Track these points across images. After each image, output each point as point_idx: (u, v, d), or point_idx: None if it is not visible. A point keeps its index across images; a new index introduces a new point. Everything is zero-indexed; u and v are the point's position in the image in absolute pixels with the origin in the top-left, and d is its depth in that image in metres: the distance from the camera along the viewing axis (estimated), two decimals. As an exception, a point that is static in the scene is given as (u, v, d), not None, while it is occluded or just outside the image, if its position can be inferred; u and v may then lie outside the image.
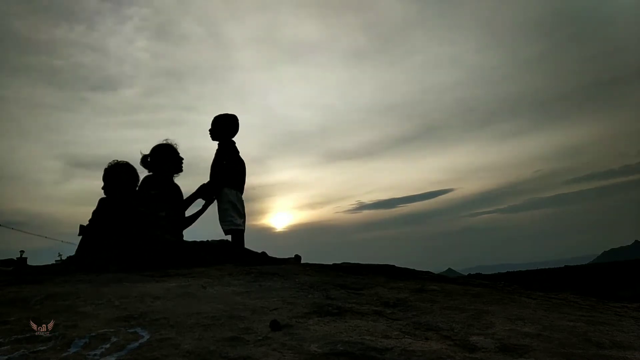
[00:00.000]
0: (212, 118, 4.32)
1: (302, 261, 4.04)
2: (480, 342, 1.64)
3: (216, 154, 4.24)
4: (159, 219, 3.73)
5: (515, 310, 2.20)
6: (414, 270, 3.41)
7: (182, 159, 4.11)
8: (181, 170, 4.11)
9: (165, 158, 4.02)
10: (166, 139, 4.11)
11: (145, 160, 4.01)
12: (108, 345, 1.47)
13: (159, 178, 3.98)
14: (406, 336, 1.69)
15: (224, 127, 4.25)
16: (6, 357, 1.38)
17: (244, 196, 4.26)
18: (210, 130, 4.29)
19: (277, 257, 4.07)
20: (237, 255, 3.78)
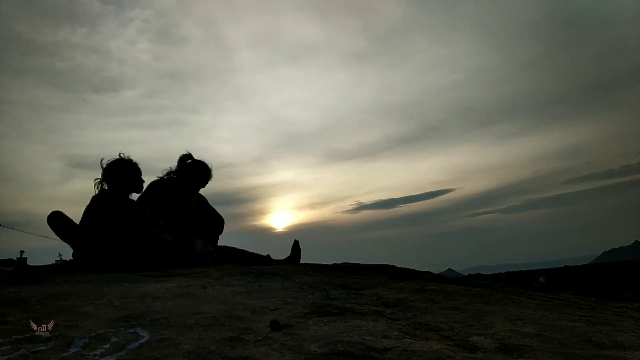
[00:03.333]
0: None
1: (302, 261, 4.03)
2: (480, 342, 1.64)
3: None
4: (158, 223, 3.70)
5: (515, 310, 2.20)
6: (414, 270, 3.41)
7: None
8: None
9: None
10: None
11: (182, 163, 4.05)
12: (108, 346, 1.47)
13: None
14: (406, 336, 1.69)
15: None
16: (6, 357, 1.38)
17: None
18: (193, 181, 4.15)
19: (279, 258, 4.07)
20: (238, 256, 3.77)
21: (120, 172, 3.67)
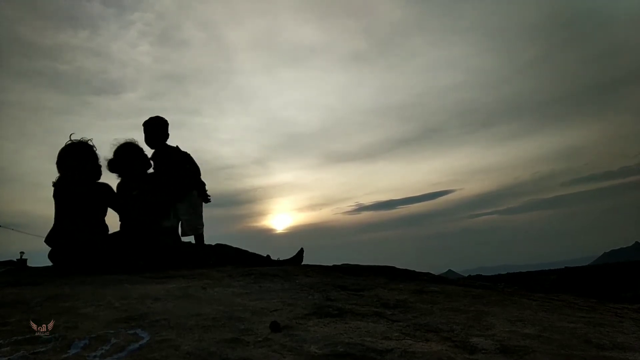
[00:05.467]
0: (144, 123, 3.88)
1: (303, 262, 4.04)
2: (480, 343, 1.64)
3: (163, 159, 3.88)
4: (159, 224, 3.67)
5: (515, 311, 2.20)
6: (414, 271, 3.41)
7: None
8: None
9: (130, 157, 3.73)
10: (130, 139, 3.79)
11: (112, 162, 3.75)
12: (108, 347, 1.47)
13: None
14: (406, 337, 1.69)
15: (161, 132, 3.90)
16: (6, 358, 1.38)
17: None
18: (147, 136, 3.86)
19: (280, 259, 4.08)
20: (201, 255, 3.75)
21: (70, 158, 3.38)
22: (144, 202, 3.67)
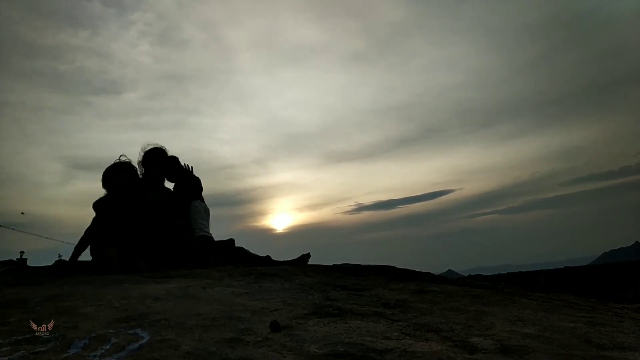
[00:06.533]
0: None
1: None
2: (480, 343, 1.64)
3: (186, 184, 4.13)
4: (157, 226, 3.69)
5: (515, 311, 2.20)
6: (414, 271, 3.41)
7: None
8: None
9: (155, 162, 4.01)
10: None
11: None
12: (108, 347, 1.47)
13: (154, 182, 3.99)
14: (406, 337, 1.69)
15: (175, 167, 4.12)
16: (6, 358, 1.38)
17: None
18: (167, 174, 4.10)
19: (280, 259, 4.06)
20: (206, 259, 3.78)
21: (117, 177, 3.73)
22: (165, 206, 3.82)
